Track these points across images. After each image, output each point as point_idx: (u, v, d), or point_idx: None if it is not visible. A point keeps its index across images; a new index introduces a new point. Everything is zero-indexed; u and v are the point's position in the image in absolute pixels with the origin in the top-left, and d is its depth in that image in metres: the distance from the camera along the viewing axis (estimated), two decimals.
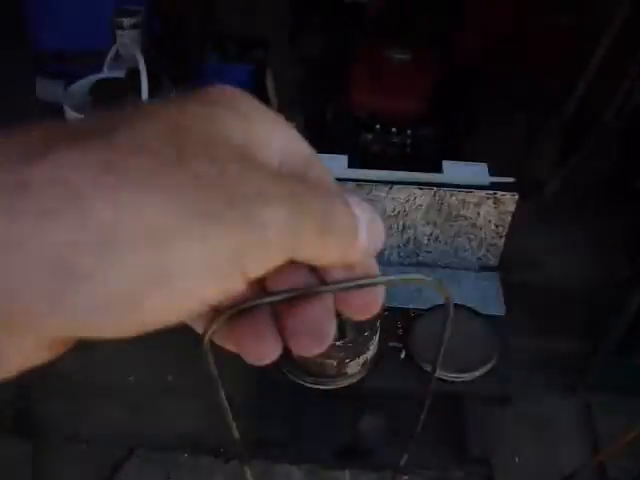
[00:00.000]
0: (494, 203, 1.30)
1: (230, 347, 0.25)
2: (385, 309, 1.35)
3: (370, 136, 1.97)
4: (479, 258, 1.41)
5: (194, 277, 0.20)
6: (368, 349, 1.21)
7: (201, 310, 0.22)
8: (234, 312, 0.23)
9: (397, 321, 1.35)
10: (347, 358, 1.18)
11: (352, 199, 0.24)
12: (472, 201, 1.30)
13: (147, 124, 0.21)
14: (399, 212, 1.34)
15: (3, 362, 0.21)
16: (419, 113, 1.91)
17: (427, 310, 1.34)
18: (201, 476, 1.46)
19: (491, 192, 1.28)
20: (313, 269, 0.25)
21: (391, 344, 1.33)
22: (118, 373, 1.65)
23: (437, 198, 1.30)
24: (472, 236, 1.37)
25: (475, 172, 1.36)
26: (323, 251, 0.23)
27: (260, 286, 0.24)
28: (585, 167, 1.93)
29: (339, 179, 1.05)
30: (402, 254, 1.42)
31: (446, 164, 1.38)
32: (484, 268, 1.42)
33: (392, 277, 0.27)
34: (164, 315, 0.21)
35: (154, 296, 0.20)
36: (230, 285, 0.21)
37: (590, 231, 2.01)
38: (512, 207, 1.30)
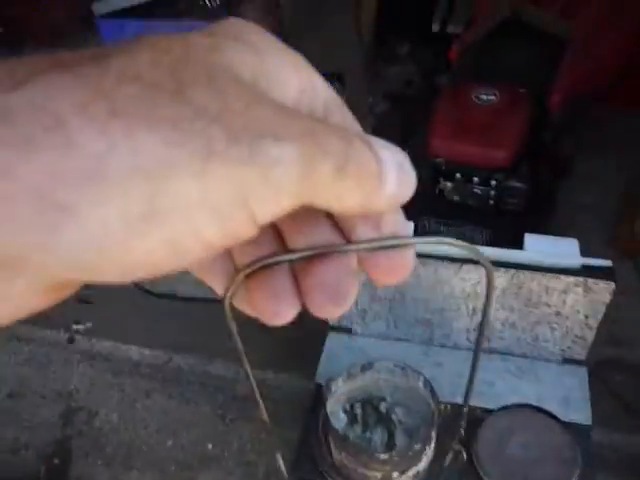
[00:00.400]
0: (584, 291, 1.09)
1: (247, 309, 0.24)
2: (447, 404, 1.16)
3: (449, 185, 1.78)
4: (563, 350, 1.20)
5: (192, 216, 0.19)
6: (420, 461, 1.03)
7: (208, 255, 0.20)
8: (253, 269, 0.22)
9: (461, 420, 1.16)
10: (394, 471, 1.01)
11: (378, 141, 0.22)
12: (558, 287, 1.10)
13: (145, 53, 0.19)
14: (469, 294, 1.15)
15: None
16: (506, 162, 1.70)
17: (497, 410, 1.15)
18: None
19: (581, 279, 1.07)
20: (337, 227, 0.24)
21: (452, 446, 1.14)
22: (157, 434, 1.54)
23: (515, 281, 1.11)
24: (555, 325, 1.16)
25: (563, 250, 1.15)
26: (342, 196, 0.21)
27: (280, 244, 0.24)
28: None
29: None
30: (471, 338, 1.23)
31: (529, 239, 1.18)
32: (568, 361, 1.21)
33: (422, 238, 0.25)
34: (162, 258, 0.19)
35: (148, 236, 0.19)
36: (236, 228, 0.20)
37: None
38: (607, 297, 1.09)
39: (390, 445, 1.05)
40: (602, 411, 1.19)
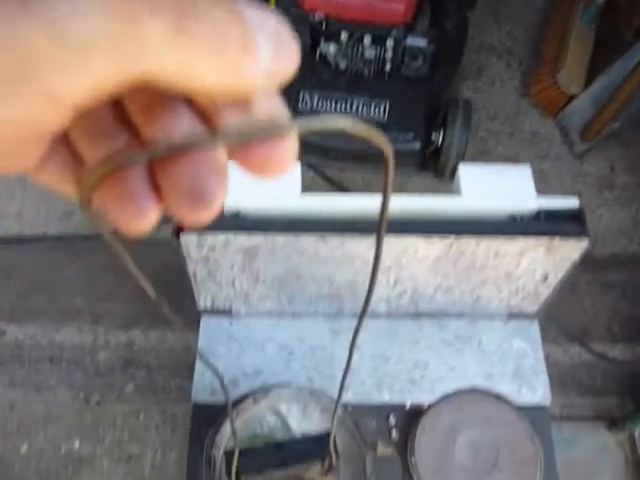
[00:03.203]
0: (547, 250, 0.79)
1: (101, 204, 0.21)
2: (372, 407, 0.89)
3: (333, 47, 1.36)
4: (510, 306, 0.92)
5: None
6: None
7: (44, 142, 0.18)
8: (103, 174, 0.19)
9: (388, 415, 0.90)
10: None
11: (243, 2, 0.17)
12: (511, 250, 0.79)
13: None
14: (390, 266, 0.82)
15: None
16: (405, 15, 1.29)
17: (435, 404, 0.89)
18: None
19: (545, 239, 0.77)
20: (202, 116, 0.20)
21: (381, 453, 0.89)
22: (4, 440, 1.20)
23: (455, 249, 0.78)
24: (503, 286, 0.87)
25: (512, 187, 0.83)
26: (189, 65, 0.16)
27: (134, 136, 0.20)
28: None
29: (284, 221, 0.64)
30: (392, 305, 0.92)
31: (465, 176, 0.84)
32: (516, 316, 0.94)
33: (303, 121, 0.19)
34: None
35: None
36: (32, 111, 0.16)
37: None
38: (576, 254, 0.79)
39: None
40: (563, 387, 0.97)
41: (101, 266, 1.32)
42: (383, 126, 1.36)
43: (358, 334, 0.43)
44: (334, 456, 0.65)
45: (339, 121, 0.19)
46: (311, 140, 1.37)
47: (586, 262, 1.45)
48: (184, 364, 1.25)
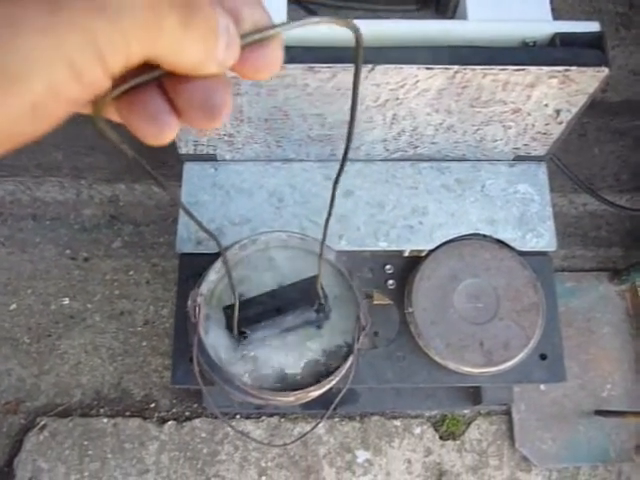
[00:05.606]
0: (561, 83, 0.71)
1: (125, 123, 0.24)
2: (368, 253, 0.84)
3: None
4: (516, 148, 0.85)
5: (50, 75, 0.19)
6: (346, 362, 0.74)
7: (72, 110, 0.21)
8: (117, 94, 0.22)
9: (385, 263, 0.86)
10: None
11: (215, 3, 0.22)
12: (522, 82, 0.71)
13: None
14: (387, 101, 0.74)
15: None
16: None
17: (433, 250, 0.84)
18: (129, 446, 1.10)
19: (560, 69, 0.68)
20: None
21: (378, 302, 0.86)
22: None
23: (458, 80, 0.70)
24: (511, 124, 0.79)
25: (525, 8, 0.73)
26: (183, 49, 0.21)
27: (145, 65, 0.23)
28: None
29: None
30: (390, 148, 0.85)
31: None
32: (523, 159, 0.88)
33: (285, 24, 0.23)
34: (25, 126, 0.19)
35: (8, 104, 0.18)
36: (92, 80, 0.20)
37: None
38: (593, 87, 0.71)
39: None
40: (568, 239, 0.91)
41: (80, 117, 1.23)
42: None
43: (343, 169, 0.38)
44: (322, 298, 0.62)
45: (315, 20, 0.23)
46: None
47: (596, 107, 1.36)
48: (172, 219, 1.20)
